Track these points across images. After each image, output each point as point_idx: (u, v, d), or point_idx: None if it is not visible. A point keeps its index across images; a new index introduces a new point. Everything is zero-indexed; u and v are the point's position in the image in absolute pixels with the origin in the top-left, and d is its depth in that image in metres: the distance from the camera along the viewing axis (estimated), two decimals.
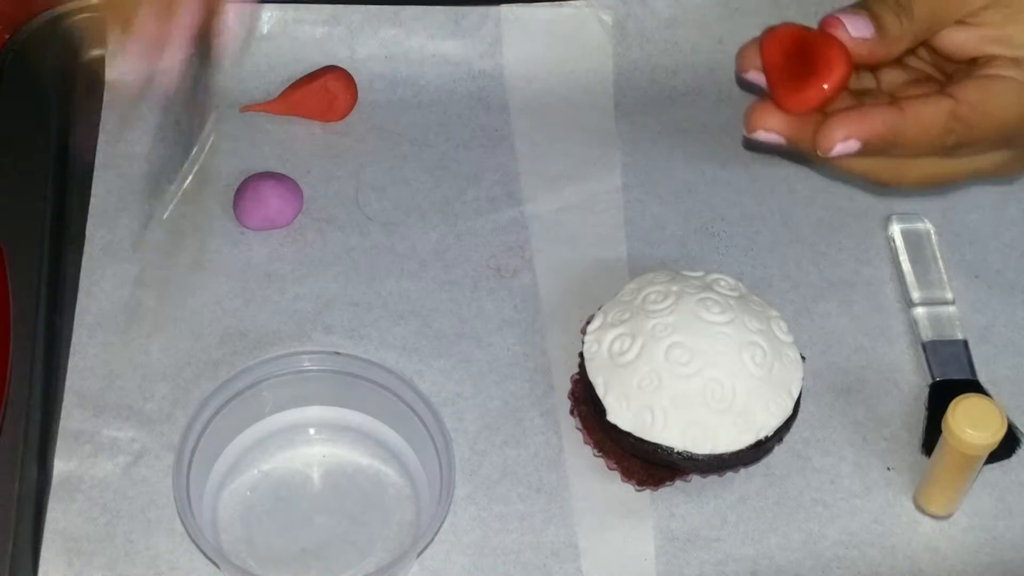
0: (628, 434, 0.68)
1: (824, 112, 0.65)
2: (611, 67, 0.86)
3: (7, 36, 0.86)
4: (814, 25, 0.66)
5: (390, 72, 0.85)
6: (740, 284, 0.72)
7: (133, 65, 0.83)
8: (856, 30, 0.66)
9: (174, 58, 0.65)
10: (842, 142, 0.64)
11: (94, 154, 0.82)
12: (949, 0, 0.67)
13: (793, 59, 0.66)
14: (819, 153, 0.65)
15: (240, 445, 0.71)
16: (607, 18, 0.86)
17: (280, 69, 0.85)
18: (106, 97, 0.84)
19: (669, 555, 0.70)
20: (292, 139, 0.83)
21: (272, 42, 0.85)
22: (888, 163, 0.66)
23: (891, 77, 0.69)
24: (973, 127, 0.65)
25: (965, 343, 0.76)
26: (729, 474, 0.72)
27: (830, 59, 0.65)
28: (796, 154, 0.71)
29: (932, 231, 0.81)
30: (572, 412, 0.73)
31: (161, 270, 0.77)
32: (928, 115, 0.65)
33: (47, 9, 0.87)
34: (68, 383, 0.73)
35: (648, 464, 0.70)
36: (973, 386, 0.74)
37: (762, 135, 0.67)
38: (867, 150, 0.65)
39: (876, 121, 0.65)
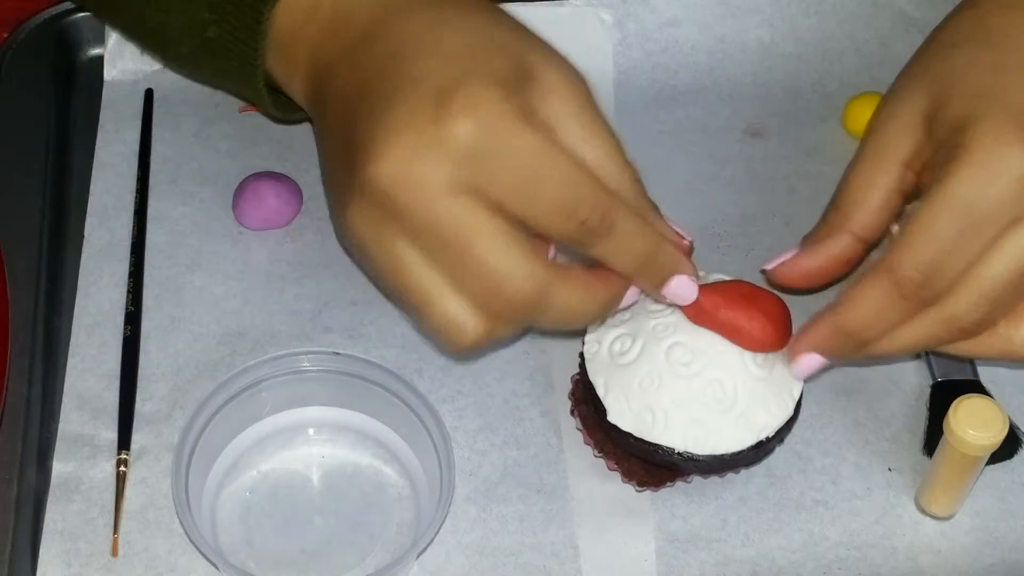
0: (628, 435, 0.68)
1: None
2: (611, 67, 0.86)
3: (6, 35, 0.86)
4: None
5: None
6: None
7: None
8: (774, 260, 0.69)
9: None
10: (805, 360, 0.67)
11: (93, 154, 0.82)
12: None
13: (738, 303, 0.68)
14: (797, 377, 0.68)
15: (239, 445, 0.71)
16: (607, 18, 0.86)
17: None
18: (105, 97, 0.84)
19: (669, 556, 0.70)
20: (292, 139, 0.83)
21: None
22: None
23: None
24: (926, 278, 0.64)
25: None
26: (730, 475, 0.72)
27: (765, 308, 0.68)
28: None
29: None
30: (572, 412, 0.73)
31: (161, 270, 0.77)
32: (863, 296, 0.65)
33: (46, 8, 0.86)
34: (67, 384, 0.73)
35: (649, 465, 0.70)
36: (975, 386, 0.74)
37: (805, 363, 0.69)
38: (836, 355, 0.67)
39: (819, 329, 0.66)
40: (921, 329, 0.65)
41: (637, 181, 0.65)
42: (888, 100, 0.69)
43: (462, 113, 0.60)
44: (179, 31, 0.72)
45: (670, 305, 0.68)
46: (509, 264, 0.61)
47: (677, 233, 0.67)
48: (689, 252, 0.67)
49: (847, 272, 0.69)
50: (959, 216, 0.62)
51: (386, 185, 0.60)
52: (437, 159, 0.60)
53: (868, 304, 0.65)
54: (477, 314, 0.62)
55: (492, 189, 0.60)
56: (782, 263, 0.69)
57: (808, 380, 0.69)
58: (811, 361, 0.67)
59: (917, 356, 0.75)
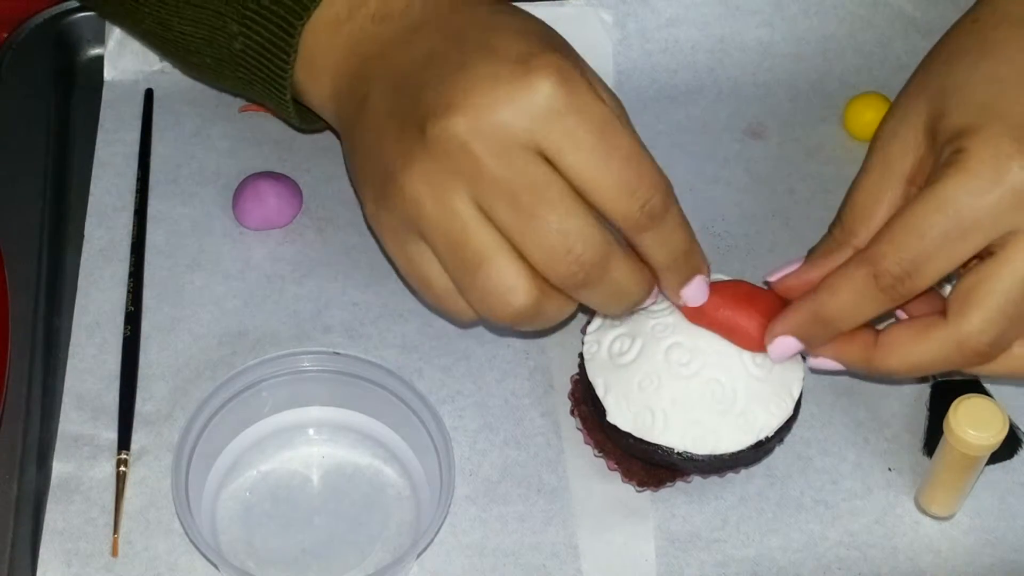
0: (628, 435, 0.68)
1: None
2: (611, 67, 0.86)
3: (5, 35, 0.86)
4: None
5: None
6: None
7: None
8: (779, 272, 0.69)
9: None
10: (780, 343, 0.67)
11: (93, 154, 0.82)
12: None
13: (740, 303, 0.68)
14: (772, 360, 0.68)
15: (239, 445, 0.71)
16: (607, 17, 0.86)
17: None
18: (105, 97, 0.84)
19: (670, 556, 0.70)
20: (292, 139, 0.83)
21: None
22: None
23: None
24: (905, 274, 0.64)
25: None
26: (730, 475, 0.72)
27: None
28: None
29: None
30: (572, 412, 0.73)
31: (161, 270, 0.77)
32: (841, 284, 0.65)
33: (46, 8, 0.86)
34: (67, 384, 0.73)
35: (648, 465, 0.70)
36: (975, 386, 0.74)
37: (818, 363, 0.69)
38: (810, 341, 0.67)
39: (797, 313, 0.67)
40: (933, 349, 0.65)
41: (670, 186, 0.66)
42: (891, 115, 0.69)
43: (545, 72, 0.61)
44: (204, 42, 0.72)
45: (670, 304, 0.68)
46: (581, 223, 0.62)
47: None
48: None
49: None
50: (947, 218, 0.63)
51: (464, 134, 0.61)
52: (519, 112, 0.61)
53: (845, 292, 0.65)
54: (531, 280, 0.63)
55: (566, 151, 0.62)
56: (786, 275, 0.69)
57: (779, 361, 0.68)
58: (786, 344, 0.67)
59: (924, 379, 0.75)
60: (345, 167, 0.72)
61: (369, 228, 0.72)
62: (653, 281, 0.66)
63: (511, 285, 0.63)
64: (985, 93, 0.65)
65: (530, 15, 0.67)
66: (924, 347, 0.65)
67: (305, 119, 0.75)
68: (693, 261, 0.66)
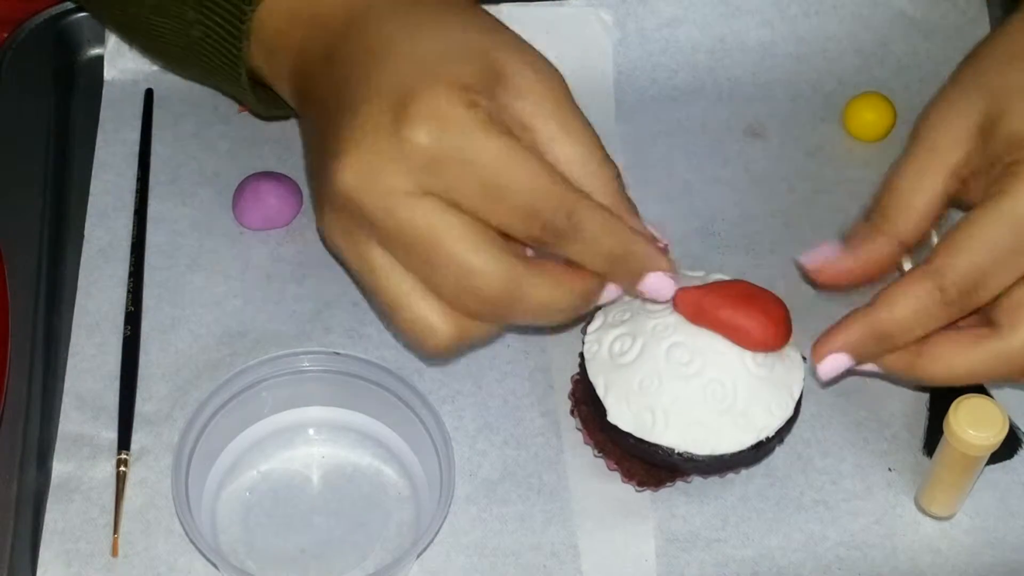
0: (628, 435, 0.68)
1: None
2: (611, 67, 0.86)
3: (6, 35, 0.86)
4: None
5: None
6: None
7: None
8: (813, 256, 0.68)
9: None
10: (833, 360, 0.66)
11: (93, 154, 0.82)
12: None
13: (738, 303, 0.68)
14: (817, 380, 0.67)
15: (239, 446, 0.71)
16: (607, 18, 0.86)
17: None
18: (105, 97, 0.84)
19: (670, 556, 0.70)
20: (292, 139, 0.83)
21: None
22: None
23: None
24: (972, 287, 0.63)
25: None
26: (730, 475, 0.72)
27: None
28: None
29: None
30: (572, 412, 0.73)
31: (161, 270, 0.77)
32: (904, 297, 0.64)
33: (46, 8, 0.86)
34: (67, 384, 0.73)
35: (649, 465, 0.70)
36: (975, 386, 0.73)
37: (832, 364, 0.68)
38: (866, 357, 0.66)
39: (852, 328, 0.66)
40: (982, 360, 0.65)
41: (616, 179, 0.65)
42: (938, 106, 0.67)
43: (421, 120, 0.60)
44: (169, 31, 0.73)
45: (666, 304, 0.68)
46: (478, 261, 0.61)
47: (652, 236, 0.66)
48: (663, 254, 0.66)
49: (882, 275, 0.68)
50: (1015, 231, 0.62)
51: (351, 191, 0.61)
52: (397, 166, 0.61)
53: (908, 305, 0.64)
54: (448, 316, 0.63)
55: (454, 194, 0.61)
56: (824, 262, 0.68)
57: (828, 384, 0.68)
58: (837, 361, 0.66)
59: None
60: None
61: None
62: (588, 285, 0.65)
63: (428, 325, 0.63)
64: None
65: (444, 18, 0.65)
66: (972, 358, 0.65)
67: (269, 106, 0.75)
68: (635, 261, 0.64)
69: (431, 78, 0.61)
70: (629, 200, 0.66)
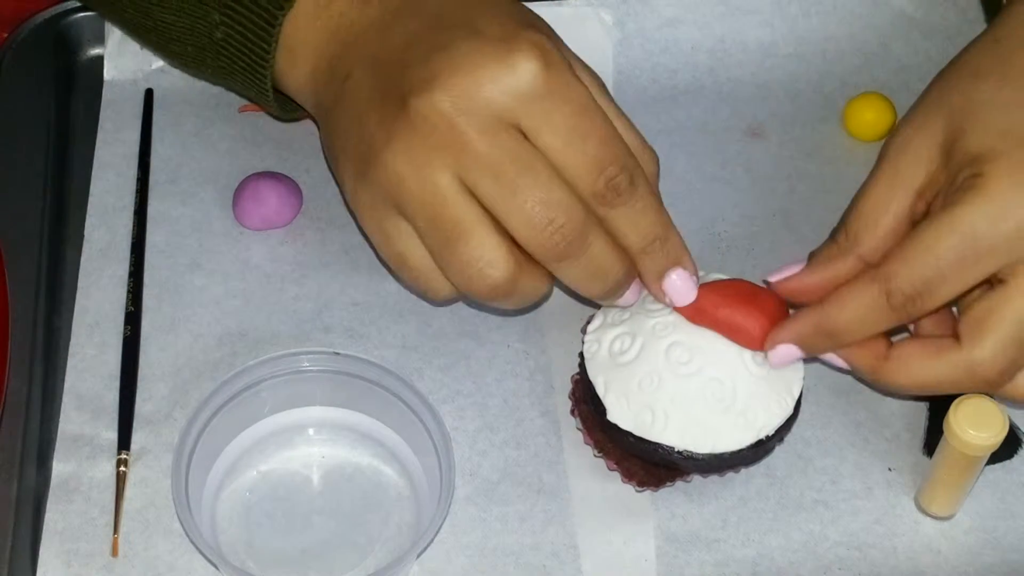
0: (628, 434, 0.68)
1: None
2: (611, 67, 0.86)
3: (5, 35, 0.86)
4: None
5: None
6: None
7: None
8: (779, 273, 0.69)
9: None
10: (782, 350, 0.67)
11: (93, 154, 0.82)
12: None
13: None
14: (771, 365, 0.68)
15: (239, 446, 0.71)
16: (607, 17, 0.86)
17: None
18: (105, 97, 0.84)
19: (670, 556, 0.70)
20: (292, 139, 0.83)
21: None
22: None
23: None
24: (917, 294, 0.64)
25: None
26: (730, 474, 0.72)
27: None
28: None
29: None
30: (572, 412, 0.73)
31: (161, 270, 0.77)
32: (851, 298, 0.66)
33: (46, 8, 0.86)
34: (67, 384, 0.73)
35: (649, 464, 0.70)
36: None
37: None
38: (812, 351, 0.68)
39: (802, 322, 0.67)
40: (944, 371, 0.65)
41: (656, 166, 0.69)
42: (904, 127, 0.68)
43: (528, 53, 0.63)
44: (185, 31, 0.73)
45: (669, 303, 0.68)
46: (559, 196, 0.64)
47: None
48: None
49: None
50: (964, 243, 0.63)
51: (448, 109, 0.63)
52: (501, 89, 0.63)
53: (853, 307, 0.66)
54: (511, 254, 0.65)
55: (543, 131, 0.64)
56: (788, 277, 0.69)
57: (778, 368, 0.68)
58: (787, 351, 0.68)
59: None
60: (323, 152, 0.73)
61: (347, 207, 0.72)
62: (631, 264, 0.67)
63: (490, 258, 0.64)
64: (1007, 118, 0.65)
65: None
66: (935, 368, 0.65)
67: (286, 108, 0.75)
68: (670, 249, 0.67)
69: (528, 26, 0.65)
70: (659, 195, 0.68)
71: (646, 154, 0.69)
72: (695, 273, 0.68)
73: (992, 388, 0.66)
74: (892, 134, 0.69)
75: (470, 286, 0.66)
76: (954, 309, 0.68)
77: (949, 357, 0.65)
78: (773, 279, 0.69)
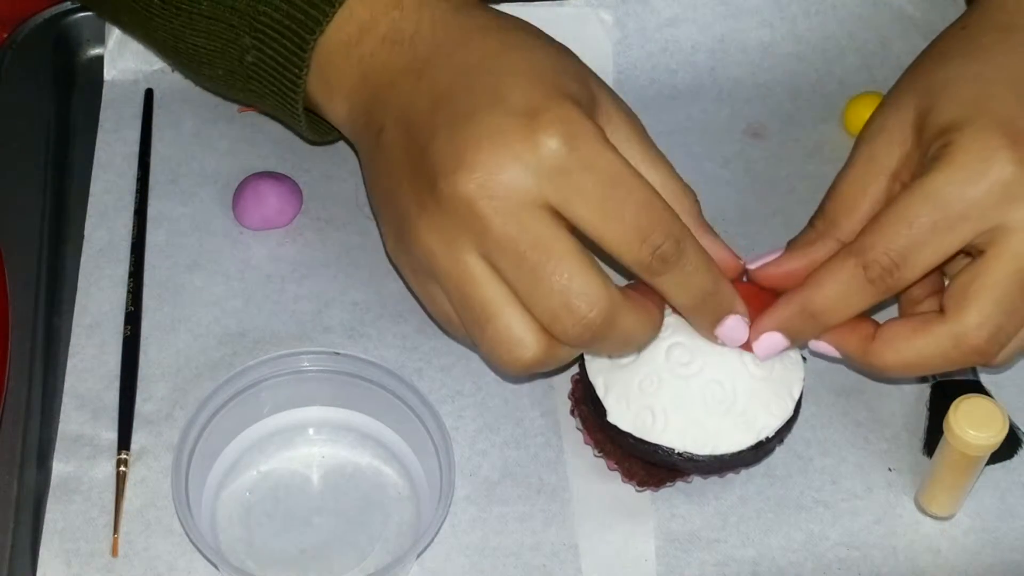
0: (628, 435, 0.68)
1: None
2: (611, 67, 0.86)
3: (6, 35, 0.86)
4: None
5: None
6: None
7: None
8: (759, 260, 0.69)
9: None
10: (767, 339, 0.67)
11: (93, 154, 0.82)
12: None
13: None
14: (759, 357, 0.68)
15: (239, 445, 0.71)
16: (607, 18, 0.86)
17: None
18: (105, 97, 0.84)
19: (670, 556, 0.70)
20: (292, 139, 0.83)
21: None
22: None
23: None
24: (893, 265, 0.64)
25: None
26: (730, 475, 0.72)
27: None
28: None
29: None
30: (572, 412, 0.73)
31: (161, 270, 0.77)
32: (829, 277, 0.66)
33: (46, 8, 0.86)
34: (67, 384, 0.73)
35: (649, 465, 0.70)
36: (975, 386, 0.74)
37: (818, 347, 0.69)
38: (798, 336, 0.67)
39: (784, 308, 0.67)
40: (931, 345, 0.65)
41: (696, 204, 0.67)
42: (879, 112, 0.69)
43: (553, 128, 0.61)
44: (216, 54, 0.72)
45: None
46: (585, 282, 0.62)
47: (732, 253, 0.68)
48: (742, 273, 0.68)
49: None
50: (936, 210, 0.63)
51: (472, 193, 0.61)
52: (526, 170, 0.61)
53: (832, 284, 0.66)
54: (539, 333, 0.63)
55: (575, 206, 0.62)
56: (766, 264, 0.69)
57: (765, 359, 0.68)
58: (773, 340, 0.67)
59: (924, 379, 0.75)
60: (363, 182, 0.72)
61: (389, 259, 0.72)
62: (660, 320, 0.66)
63: (519, 339, 0.63)
64: (972, 90, 0.66)
65: (542, 42, 0.67)
66: (923, 343, 0.65)
67: (317, 131, 0.75)
68: (720, 302, 0.66)
69: (556, 91, 0.63)
70: (708, 224, 0.68)
71: (687, 199, 0.67)
72: (746, 313, 0.67)
73: (983, 359, 0.66)
74: (868, 121, 0.70)
75: (500, 364, 0.65)
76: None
77: (935, 330, 0.65)
78: (752, 266, 0.69)
